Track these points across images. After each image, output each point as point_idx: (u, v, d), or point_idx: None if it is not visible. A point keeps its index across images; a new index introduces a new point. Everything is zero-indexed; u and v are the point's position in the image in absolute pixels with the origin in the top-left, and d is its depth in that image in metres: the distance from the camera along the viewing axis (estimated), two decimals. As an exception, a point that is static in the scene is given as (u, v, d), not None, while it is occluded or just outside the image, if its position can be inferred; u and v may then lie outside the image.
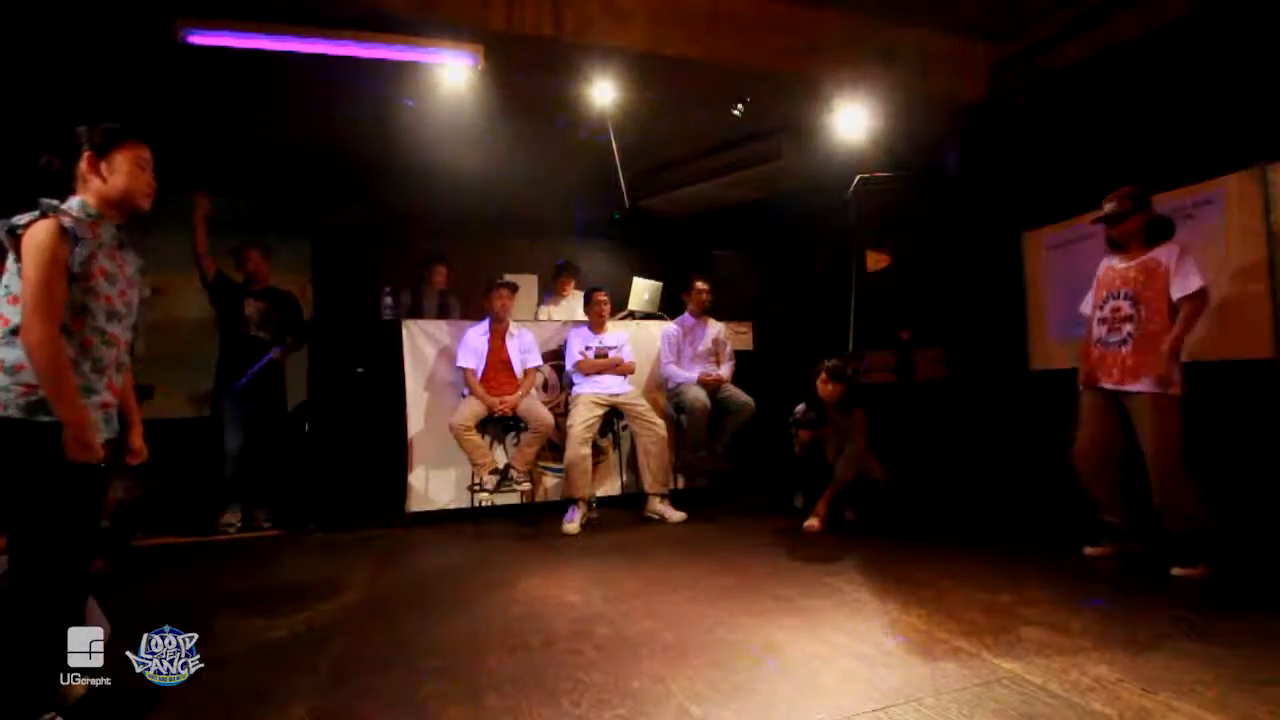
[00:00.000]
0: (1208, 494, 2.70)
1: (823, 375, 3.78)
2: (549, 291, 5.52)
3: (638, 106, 4.18)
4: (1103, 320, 2.91)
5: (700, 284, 4.62)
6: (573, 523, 3.81)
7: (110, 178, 1.73)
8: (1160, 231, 2.84)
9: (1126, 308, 2.82)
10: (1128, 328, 2.81)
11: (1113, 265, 2.94)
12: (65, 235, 1.59)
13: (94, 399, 1.68)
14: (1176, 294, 2.69)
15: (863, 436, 3.73)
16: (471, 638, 2.22)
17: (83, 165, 1.72)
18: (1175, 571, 2.65)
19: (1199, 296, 2.66)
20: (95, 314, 1.67)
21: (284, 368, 4.15)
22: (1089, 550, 2.98)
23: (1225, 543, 2.71)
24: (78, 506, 1.64)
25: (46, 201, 1.64)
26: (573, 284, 5.53)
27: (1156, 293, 2.74)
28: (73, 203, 1.69)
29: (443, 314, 4.95)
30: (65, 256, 1.59)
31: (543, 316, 5.17)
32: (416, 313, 4.86)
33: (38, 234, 1.57)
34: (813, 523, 3.64)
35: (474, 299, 4.89)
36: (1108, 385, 2.86)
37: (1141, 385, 2.74)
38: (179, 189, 4.38)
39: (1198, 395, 2.71)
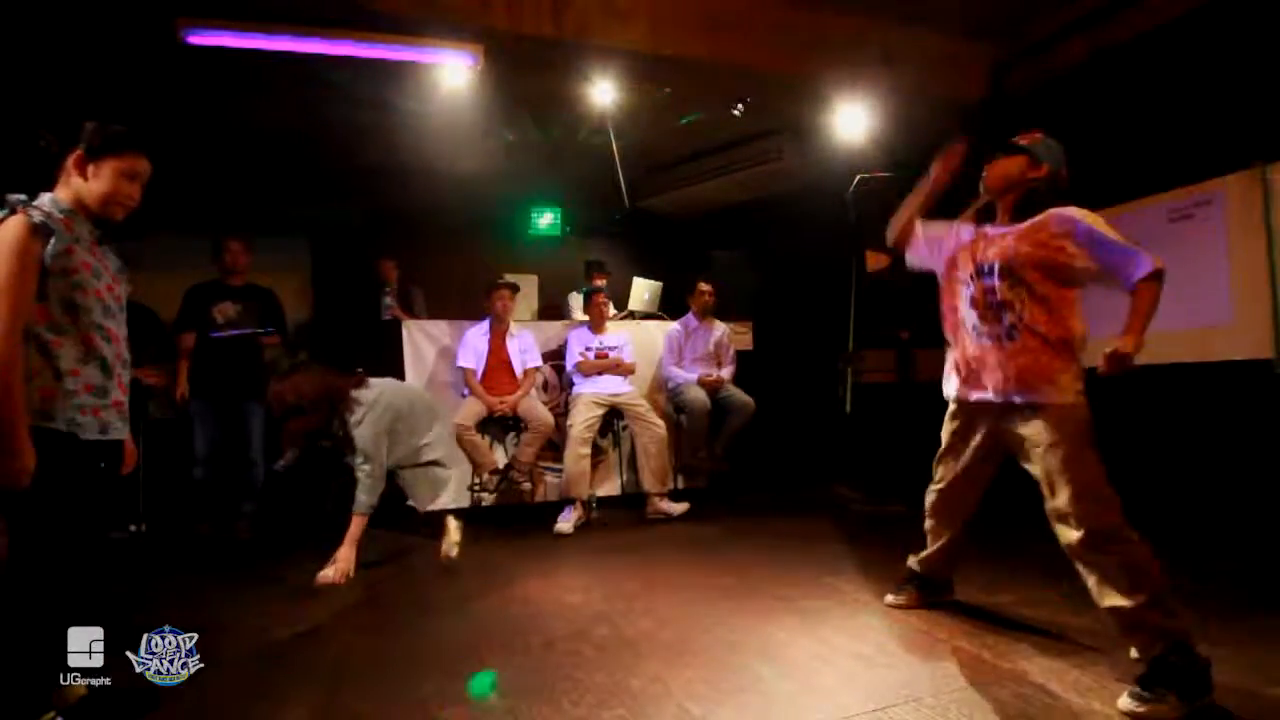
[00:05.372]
0: (1212, 495, 2.68)
1: None
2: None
3: (638, 107, 4.18)
4: None
5: (703, 285, 4.62)
6: (567, 523, 3.79)
7: (92, 181, 1.66)
8: None
9: None
10: None
11: None
12: (36, 231, 1.53)
13: (107, 400, 1.65)
14: None
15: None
16: (471, 638, 2.22)
17: (70, 160, 1.66)
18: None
19: None
20: (89, 309, 1.62)
21: (265, 365, 3.89)
22: None
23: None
24: (83, 510, 1.64)
25: (13, 197, 1.58)
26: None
27: None
28: (44, 199, 1.62)
29: (405, 305, 4.94)
30: (38, 252, 1.53)
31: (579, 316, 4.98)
32: (378, 314, 4.87)
33: (6, 232, 1.50)
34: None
35: (475, 299, 4.89)
36: None
37: None
38: (178, 190, 4.33)
39: (1198, 395, 2.71)
